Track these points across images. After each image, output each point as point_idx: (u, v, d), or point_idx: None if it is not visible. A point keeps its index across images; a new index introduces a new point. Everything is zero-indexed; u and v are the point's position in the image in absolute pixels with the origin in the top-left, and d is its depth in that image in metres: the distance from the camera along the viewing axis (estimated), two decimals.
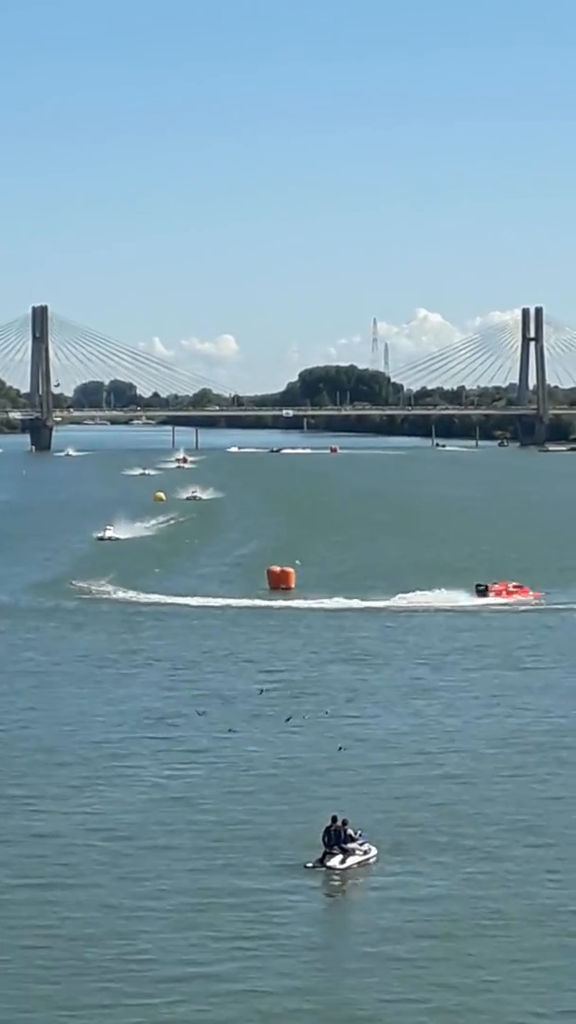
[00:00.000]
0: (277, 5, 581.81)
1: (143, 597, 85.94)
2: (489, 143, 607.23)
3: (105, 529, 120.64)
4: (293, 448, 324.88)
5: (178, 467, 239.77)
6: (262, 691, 59.73)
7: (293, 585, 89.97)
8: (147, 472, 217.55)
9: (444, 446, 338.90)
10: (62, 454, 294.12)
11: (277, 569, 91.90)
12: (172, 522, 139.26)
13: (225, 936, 33.79)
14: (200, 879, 37.41)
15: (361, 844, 39.00)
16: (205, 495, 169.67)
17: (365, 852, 38.89)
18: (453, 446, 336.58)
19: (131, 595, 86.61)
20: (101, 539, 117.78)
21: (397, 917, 35.13)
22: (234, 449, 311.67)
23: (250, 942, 33.50)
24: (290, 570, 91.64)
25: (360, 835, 39.22)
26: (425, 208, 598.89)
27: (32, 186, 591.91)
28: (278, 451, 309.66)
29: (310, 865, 38.39)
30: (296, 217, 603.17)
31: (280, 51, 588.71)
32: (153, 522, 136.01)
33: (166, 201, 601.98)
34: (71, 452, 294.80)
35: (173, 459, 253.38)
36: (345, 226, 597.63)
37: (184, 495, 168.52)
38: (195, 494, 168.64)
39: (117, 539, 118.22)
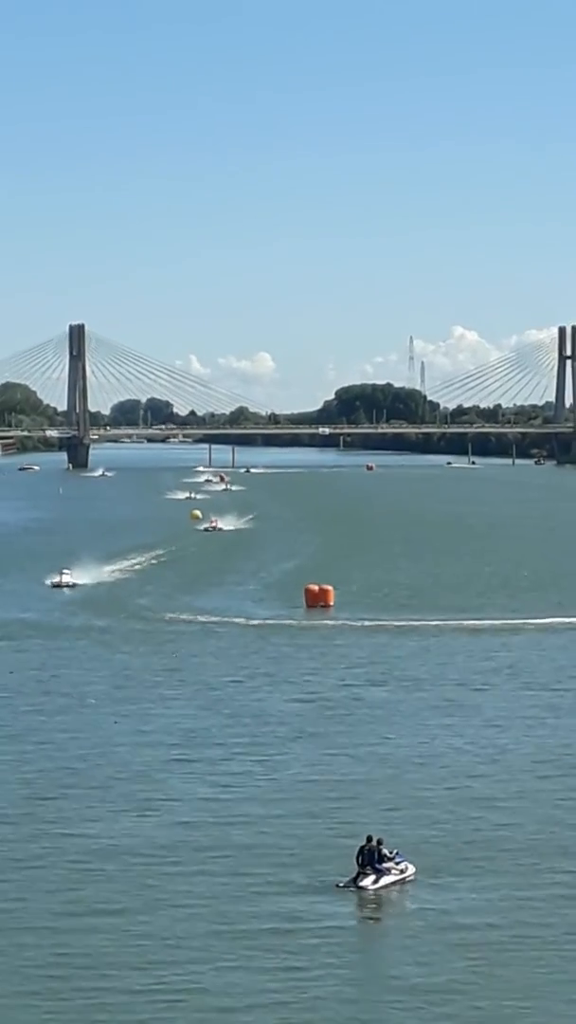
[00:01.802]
0: (318, 24, 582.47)
1: (177, 616, 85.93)
2: (525, 162, 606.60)
3: (60, 573, 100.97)
4: (267, 468, 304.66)
5: (225, 489, 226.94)
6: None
7: (332, 603, 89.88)
8: (194, 496, 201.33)
9: (451, 464, 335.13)
10: (96, 474, 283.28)
11: (315, 587, 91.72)
12: (155, 562, 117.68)
13: (255, 959, 33.63)
14: (230, 900, 37.25)
15: (398, 864, 38.78)
16: (228, 525, 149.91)
17: (401, 872, 38.61)
18: (460, 463, 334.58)
19: (165, 614, 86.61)
20: (56, 586, 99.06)
21: (431, 939, 34.85)
22: (200, 468, 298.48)
23: (280, 965, 33.33)
24: (328, 588, 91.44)
25: (396, 855, 39.02)
26: (461, 226, 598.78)
27: (69, 205, 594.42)
28: (247, 471, 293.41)
29: (341, 885, 38.18)
30: (333, 235, 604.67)
31: (313, 70, 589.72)
32: (131, 561, 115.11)
33: (202, 220, 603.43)
34: (106, 473, 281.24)
35: (203, 478, 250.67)
36: (381, 244, 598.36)
37: (202, 525, 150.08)
38: (215, 524, 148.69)
39: (75, 585, 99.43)
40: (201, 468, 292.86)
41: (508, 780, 48.74)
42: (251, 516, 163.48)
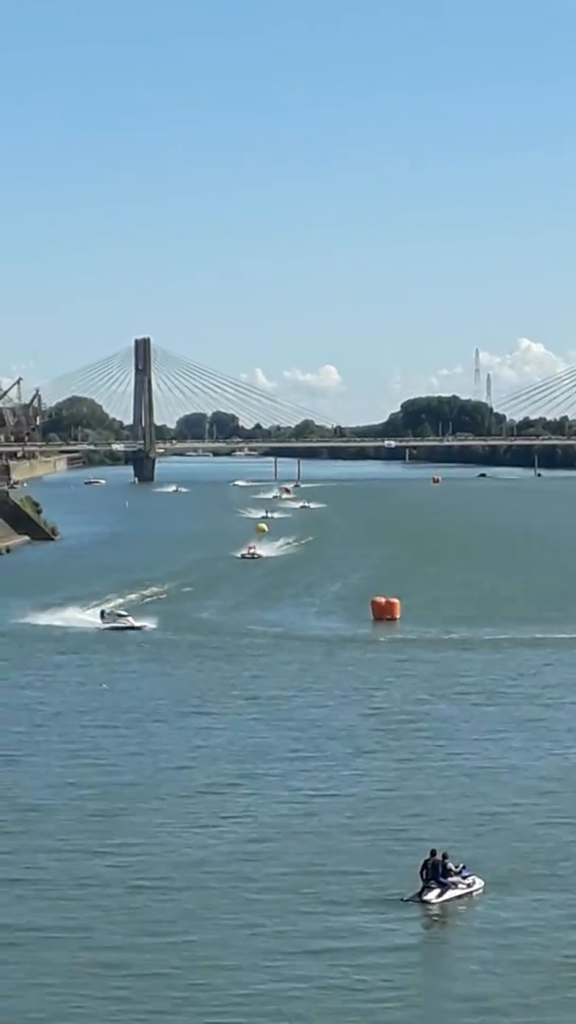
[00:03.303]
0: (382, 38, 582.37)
1: (242, 628, 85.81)
2: None
3: (122, 616, 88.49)
4: (323, 481, 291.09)
5: (303, 507, 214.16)
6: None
7: (398, 616, 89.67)
8: (271, 515, 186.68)
9: (484, 476, 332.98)
10: (170, 490, 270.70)
11: (382, 600, 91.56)
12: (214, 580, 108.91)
13: (318, 972, 33.59)
14: (295, 914, 37.18)
15: (465, 878, 38.58)
16: (266, 552, 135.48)
17: (469, 886, 38.48)
18: (497, 474, 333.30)
19: (231, 627, 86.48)
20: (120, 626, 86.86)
21: (496, 954, 34.73)
22: (239, 483, 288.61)
23: (343, 978, 33.26)
24: (395, 601, 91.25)
25: (463, 869, 38.80)
26: (528, 237, 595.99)
27: (134, 219, 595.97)
28: (297, 485, 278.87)
29: (407, 899, 38.05)
30: (398, 247, 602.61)
31: (382, 80, 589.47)
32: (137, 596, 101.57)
33: (267, 232, 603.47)
34: (180, 489, 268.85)
35: (272, 494, 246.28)
36: (447, 256, 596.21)
37: (239, 552, 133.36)
38: (253, 551, 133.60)
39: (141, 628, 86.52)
40: (240, 483, 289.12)
41: None
42: (309, 538, 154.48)
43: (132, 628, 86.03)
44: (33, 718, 61.46)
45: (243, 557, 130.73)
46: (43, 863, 41.51)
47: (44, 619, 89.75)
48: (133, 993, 32.62)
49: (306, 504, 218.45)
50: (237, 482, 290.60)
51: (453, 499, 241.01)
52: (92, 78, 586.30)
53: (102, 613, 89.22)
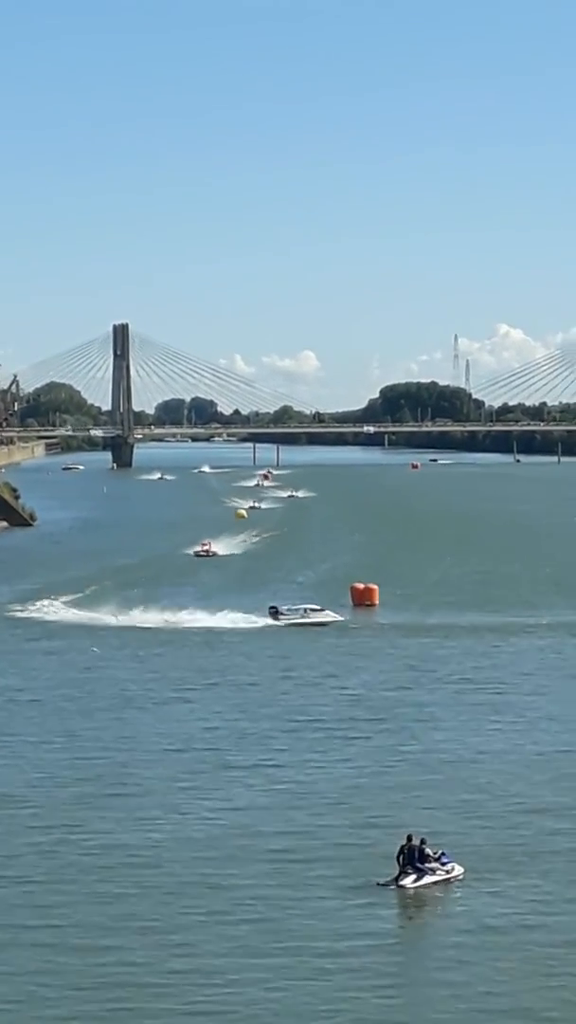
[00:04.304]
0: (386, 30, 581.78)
1: (220, 616, 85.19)
2: (569, 160, 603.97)
3: (316, 610, 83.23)
4: (290, 468, 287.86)
5: (290, 496, 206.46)
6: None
7: (377, 602, 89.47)
8: (258, 506, 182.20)
9: (436, 461, 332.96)
10: (155, 477, 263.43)
11: (361, 586, 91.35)
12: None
13: (294, 956, 33.50)
14: (271, 899, 37.04)
15: (444, 864, 38.38)
16: (223, 550, 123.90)
17: (448, 872, 38.31)
18: (445, 459, 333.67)
19: (209, 615, 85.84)
20: None
21: (472, 939, 34.58)
22: (205, 469, 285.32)
23: (318, 963, 33.16)
24: (374, 587, 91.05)
25: (441, 855, 38.58)
26: (505, 223, 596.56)
27: (113, 204, 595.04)
28: (268, 473, 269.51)
29: (382, 883, 37.90)
30: (376, 233, 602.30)
31: (349, 72, 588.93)
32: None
33: (246, 218, 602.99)
34: (165, 476, 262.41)
35: (253, 482, 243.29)
36: (425, 241, 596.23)
37: (193, 549, 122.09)
38: (207, 548, 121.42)
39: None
40: (205, 469, 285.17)
41: (558, 783, 48.23)
42: (275, 532, 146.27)
43: (333, 621, 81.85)
44: (9, 704, 61.16)
45: (196, 555, 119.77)
46: (17, 851, 41.18)
47: (199, 621, 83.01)
48: (108, 984, 32.32)
49: (294, 493, 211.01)
50: (203, 468, 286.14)
51: (430, 485, 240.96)
52: (79, 68, 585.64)
53: (274, 610, 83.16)
